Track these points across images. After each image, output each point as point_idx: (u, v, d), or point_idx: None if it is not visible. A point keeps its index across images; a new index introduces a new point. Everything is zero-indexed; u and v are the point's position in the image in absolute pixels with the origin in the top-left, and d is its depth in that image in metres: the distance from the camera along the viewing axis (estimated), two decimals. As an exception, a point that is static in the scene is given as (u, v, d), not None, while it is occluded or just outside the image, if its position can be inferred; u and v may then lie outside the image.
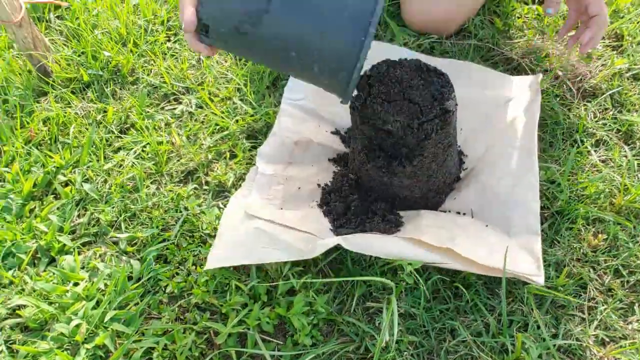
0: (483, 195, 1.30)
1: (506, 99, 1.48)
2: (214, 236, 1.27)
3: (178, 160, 1.46)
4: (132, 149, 1.50)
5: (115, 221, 1.34)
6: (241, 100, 1.59)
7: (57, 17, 1.92)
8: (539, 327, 1.12)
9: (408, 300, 1.16)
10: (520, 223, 1.23)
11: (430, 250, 1.15)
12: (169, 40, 1.81)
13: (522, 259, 1.16)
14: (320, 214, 1.32)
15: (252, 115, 1.54)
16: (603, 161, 1.39)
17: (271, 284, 1.19)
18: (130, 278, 1.23)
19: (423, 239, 1.14)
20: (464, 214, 1.29)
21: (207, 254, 1.21)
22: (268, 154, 1.40)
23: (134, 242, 1.30)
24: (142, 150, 1.49)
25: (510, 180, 1.30)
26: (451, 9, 1.63)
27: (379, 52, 1.51)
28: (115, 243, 1.30)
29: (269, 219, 1.25)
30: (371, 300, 1.18)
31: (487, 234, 1.22)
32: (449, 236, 1.18)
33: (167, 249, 1.28)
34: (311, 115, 1.51)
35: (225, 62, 1.71)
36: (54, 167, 1.46)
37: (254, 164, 1.39)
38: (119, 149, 1.52)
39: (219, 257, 1.18)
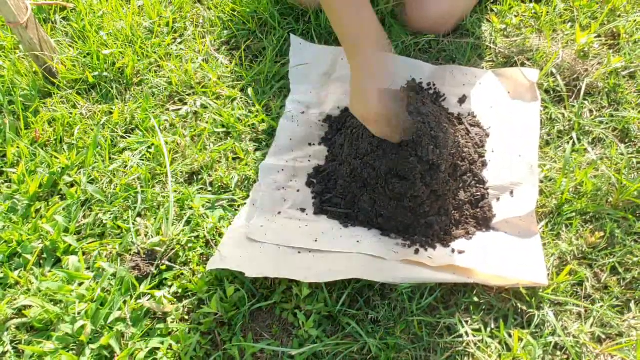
0: None
1: (506, 96, 1.47)
2: (218, 237, 1.26)
3: (183, 161, 1.44)
4: (137, 149, 1.48)
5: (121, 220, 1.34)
6: (246, 101, 1.57)
7: (63, 18, 1.88)
8: (536, 326, 1.11)
9: (406, 296, 1.15)
10: (520, 228, 1.23)
11: (433, 270, 1.14)
12: (174, 42, 1.79)
13: (525, 265, 1.15)
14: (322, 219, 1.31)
15: (256, 116, 1.52)
16: (600, 159, 1.37)
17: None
18: (136, 279, 1.22)
19: (424, 261, 1.15)
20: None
21: (211, 254, 1.20)
22: (269, 168, 1.39)
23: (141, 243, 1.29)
24: (147, 151, 1.48)
25: (511, 188, 1.31)
26: (448, 6, 1.62)
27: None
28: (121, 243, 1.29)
29: (274, 243, 1.23)
30: (374, 299, 1.17)
31: (488, 243, 1.22)
32: (448, 250, 1.20)
33: (172, 248, 1.26)
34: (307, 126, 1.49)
35: (230, 63, 1.70)
36: (60, 167, 1.43)
37: (257, 168, 1.38)
38: (124, 149, 1.50)
39: (223, 258, 1.17)
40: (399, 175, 1.25)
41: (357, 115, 1.20)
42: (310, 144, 1.45)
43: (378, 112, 1.17)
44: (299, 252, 1.21)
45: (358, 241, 1.22)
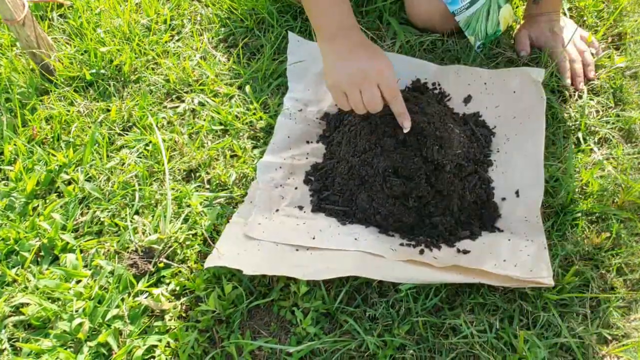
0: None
1: (512, 95, 1.47)
2: (216, 234, 1.26)
3: (180, 159, 1.44)
4: (134, 147, 1.48)
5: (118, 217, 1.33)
6: (243, 99, 1.57)
7: (60, 15, 1.89)
8: (542, 327, 1.10)
9: (409, 296, 1.14)
10: (526, 229, 1.23)
11: (437, 270, 1.14)
12: (171, 39, 1.79)
13: (530, 265, 1.14)
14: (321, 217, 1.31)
15: (253, 114, 1.52)
16: (606, 159, 1.37)
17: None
18: (133, 276, 1.21)
19: (428, 262, 1.15)
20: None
21: (209, 252, 1.20)
22: (267, 166, 1.38)
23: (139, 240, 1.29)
24: (145, 149, 1.48)
25: (516, 187, 1.31)
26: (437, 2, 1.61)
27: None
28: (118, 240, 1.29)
29: (272, 241, 1.23)
30: (373, 296, 1.17)
31: (494, 243, 1.22)
32: (453, 251, 1.20)
33: (170, 246, 1.26)
34: (305, 124, 1.49)
35: (228, 60, 1.69)
36: (57, 165, 1.44)
37: (255, 165, 1.38)
38: (122, 147, 1.50)
39: (221, 256, 1.17)
40: (397, 173, 1.25)
41: (328, 85, 1.29)
42: (308, 142, 1.46)
43: (338, 79, 1.25)
44: (297, 250, 1.21)
45: (356, 239, 1.22)
